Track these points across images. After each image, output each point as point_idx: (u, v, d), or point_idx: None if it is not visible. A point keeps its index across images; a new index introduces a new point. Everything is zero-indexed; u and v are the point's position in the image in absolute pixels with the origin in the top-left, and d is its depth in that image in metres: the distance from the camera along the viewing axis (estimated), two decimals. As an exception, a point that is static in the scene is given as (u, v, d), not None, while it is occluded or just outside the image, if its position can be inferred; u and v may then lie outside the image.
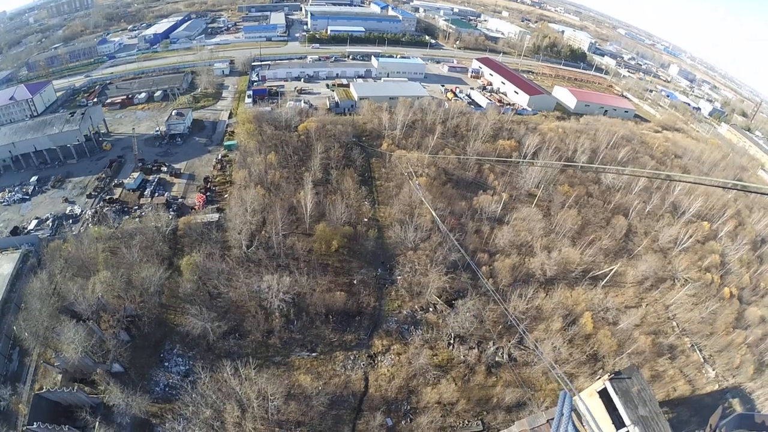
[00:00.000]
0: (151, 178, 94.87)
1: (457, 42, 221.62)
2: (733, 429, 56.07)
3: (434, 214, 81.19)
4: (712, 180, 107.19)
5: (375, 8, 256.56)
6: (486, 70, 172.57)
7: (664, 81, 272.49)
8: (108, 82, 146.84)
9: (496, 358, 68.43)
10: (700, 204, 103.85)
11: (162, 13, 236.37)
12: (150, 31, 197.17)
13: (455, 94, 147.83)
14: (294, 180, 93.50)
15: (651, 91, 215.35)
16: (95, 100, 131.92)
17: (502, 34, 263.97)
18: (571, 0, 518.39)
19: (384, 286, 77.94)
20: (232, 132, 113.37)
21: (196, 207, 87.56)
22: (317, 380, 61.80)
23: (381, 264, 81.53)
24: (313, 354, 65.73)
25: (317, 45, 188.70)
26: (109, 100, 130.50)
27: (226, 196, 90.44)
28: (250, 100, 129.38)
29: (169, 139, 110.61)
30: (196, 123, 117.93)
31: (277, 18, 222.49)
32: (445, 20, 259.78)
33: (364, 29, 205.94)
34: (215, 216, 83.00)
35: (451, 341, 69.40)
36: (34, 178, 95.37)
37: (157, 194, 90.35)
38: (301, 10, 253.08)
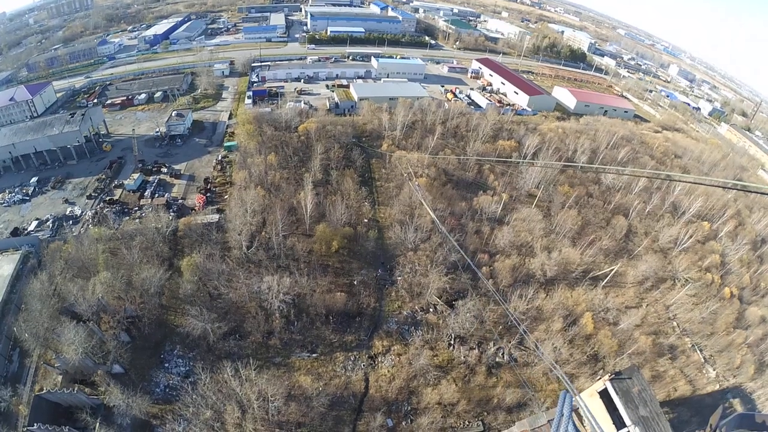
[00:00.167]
0: (151, 179, 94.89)
1: (457, 42, 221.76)
2: (734, 429, 56.10)
3: (433, 215, 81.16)
4: (712, 180, 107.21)
5: (375, 9, 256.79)
6: (486, 71, 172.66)
7: (664, 81, 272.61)
8: (108, 83, 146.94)
9: (497, 359, 68.41)
10: (700, 204, 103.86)
11: (162, 14, 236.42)
12: (150, 32, 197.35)
13: (455, 95, 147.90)
14: (294, 181, 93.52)
15: (651, 91, 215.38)
16: (95, 101, 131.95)
17: (502, 34, 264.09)
18: (571, 0, 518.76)
19: (384, 286, 77.91)
20: (232, 133, 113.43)
21: (196, 208, 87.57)
22: (317, 381, 61.77)
23: (381, 265, 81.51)
24: (314, 355, 65.71)
25: (312, 46, 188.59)
26: (109, 101, 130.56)
27: (226, 197, 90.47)
28: (250, 101, 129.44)
29: (169, 140, 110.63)
30: (196, 124, 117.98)
31: (277, 19, 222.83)
32: (444, 21, 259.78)
33: (363, 30, 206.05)
34: (215, 217, 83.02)
35: (452, 342, 69.37)
36: (34, 179, 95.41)
37: (157, 195, 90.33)
38: (300, 10, 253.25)
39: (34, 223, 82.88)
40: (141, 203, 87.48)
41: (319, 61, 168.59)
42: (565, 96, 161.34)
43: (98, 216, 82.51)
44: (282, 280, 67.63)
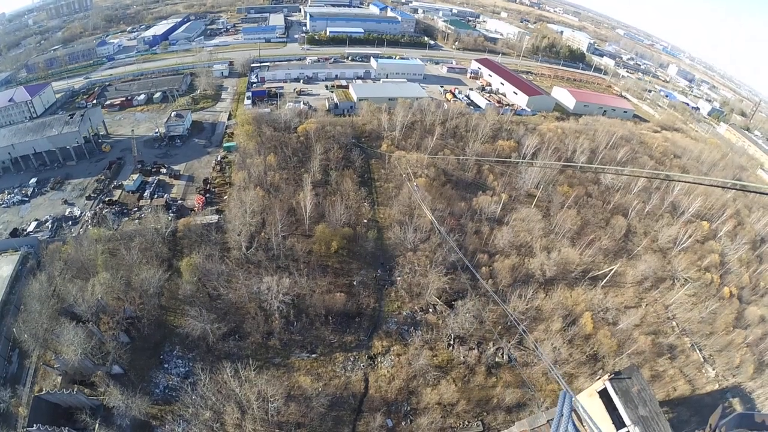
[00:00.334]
0: (150, 179, 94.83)
1: (456, 43, 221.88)
2: (733, 428, 56.06)
3: (431, 216, 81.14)
4: (712, 180, 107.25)
5: (374, 9, 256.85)
6: (485, 71, 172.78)
7: (663, 81, 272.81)
8: (107, 83, 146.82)
9: (496, 359, 68.44)
10: (699, 204, 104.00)
11: (161, 15, 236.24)
12: (149, 33, 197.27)
13: (454, 95, 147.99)
14: (293, 181, 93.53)
15: (650, 91, 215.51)
16: (94, 101, 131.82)
17: (501, 34, 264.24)
18: (570, 0, 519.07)
19: (384, 287, 77.94)
20: (232, 133, 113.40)
21: (195, 208, 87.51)
22: (317, 381, 61.77)
23: (381, 265, 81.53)
24: (313, 355, 65.70)
25: (307, 47, 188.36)
26: (108, 102, 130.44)
27: (225, 197, 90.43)
28: (249, 101, 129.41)
29: (168, 140, 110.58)
30: (196, 124, 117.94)
31: (276, 19, 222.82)
32: (444, 21, 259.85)
33: (363, 30, 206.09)
34: (215, 217, 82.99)
35: (451, 342, 69.38)
36: (33, 180, 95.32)
37: (156, 196, 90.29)
38: (300, 11, 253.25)
39: (34, 224, 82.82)
40: (140, 204, 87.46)
41: (319, 61, 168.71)
42: (564, 96, 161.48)
43: (97, 217, 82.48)
44: (281, 281, 67.65)
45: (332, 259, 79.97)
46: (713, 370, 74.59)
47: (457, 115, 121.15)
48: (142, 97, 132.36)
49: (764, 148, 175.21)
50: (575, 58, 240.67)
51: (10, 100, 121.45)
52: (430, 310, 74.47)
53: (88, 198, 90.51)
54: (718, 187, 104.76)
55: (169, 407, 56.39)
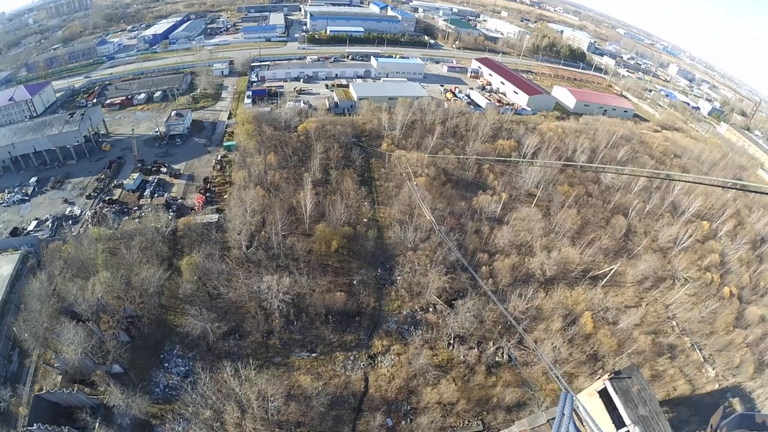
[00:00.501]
0: (150, 178, 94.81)
1: (457, 42, 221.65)
2: (734, 429, 56.15)
3: (431, 217, 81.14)
4: (712, 179, 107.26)
5: (374, 8, 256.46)
6: (485, 70, 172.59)
7: (664, 80, 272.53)
8: (107, 82, 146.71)
9: (496, 358, 68.45)
10: (699, 203, 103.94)
11: (161, 14, 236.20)
12: (149, 32, 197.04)
13: (454, 94, 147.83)
14: (293, 180, 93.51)
15: (650, 90, 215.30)
16: (95, 100, 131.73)
17: (502, 34, 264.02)
18: (571, 0, 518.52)
19: (384, 286, 77.93)
20: (232, 132, 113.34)
21: (195, 208, 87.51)
22: (317, 381, 61.80)
23: (381, 264, 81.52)
24: (313, 354, 65.72)
25: (307, 46, 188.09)
26: (108, 101, 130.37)
27: (225, 196, 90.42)
28: (249, 100, 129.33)
29: (168, 139, 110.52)
30: (196, 124, 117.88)
31: (276, 18, 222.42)
32: (444, 20, 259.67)
33: (363, 29, 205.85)
34: (215, 217, 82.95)
35: (451, 341, 69.39)
36: (33, 179, 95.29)
37: (156, 195, 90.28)
38: (300, 10, 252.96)
39: (34, 223, 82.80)
40: (140, 203, 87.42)
41: (319, 60, 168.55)
42: (564, 95, 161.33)
43: (98, 216, 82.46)
44: (281, 280, 67.62)
45: (332, 259, 79.96)
46: (713, 369, 74.61)
47: (457, 115, 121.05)
48: (143, 96, 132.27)
49: (764, 148, 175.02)
50: (576, 57, 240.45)
51: (10, 99, 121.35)
52: (430, 309, 74.47)
53: (89, 197, 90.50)
54: (719, 186, 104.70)
55: (170, 406, 56.42)
